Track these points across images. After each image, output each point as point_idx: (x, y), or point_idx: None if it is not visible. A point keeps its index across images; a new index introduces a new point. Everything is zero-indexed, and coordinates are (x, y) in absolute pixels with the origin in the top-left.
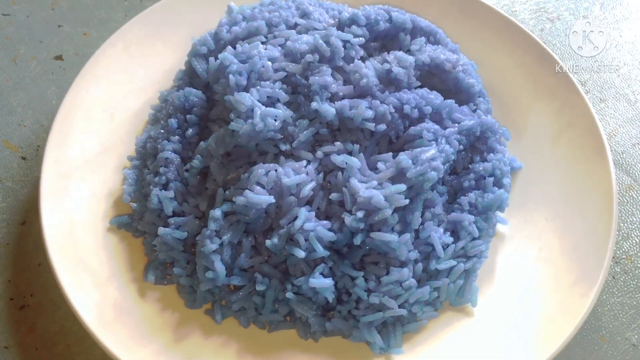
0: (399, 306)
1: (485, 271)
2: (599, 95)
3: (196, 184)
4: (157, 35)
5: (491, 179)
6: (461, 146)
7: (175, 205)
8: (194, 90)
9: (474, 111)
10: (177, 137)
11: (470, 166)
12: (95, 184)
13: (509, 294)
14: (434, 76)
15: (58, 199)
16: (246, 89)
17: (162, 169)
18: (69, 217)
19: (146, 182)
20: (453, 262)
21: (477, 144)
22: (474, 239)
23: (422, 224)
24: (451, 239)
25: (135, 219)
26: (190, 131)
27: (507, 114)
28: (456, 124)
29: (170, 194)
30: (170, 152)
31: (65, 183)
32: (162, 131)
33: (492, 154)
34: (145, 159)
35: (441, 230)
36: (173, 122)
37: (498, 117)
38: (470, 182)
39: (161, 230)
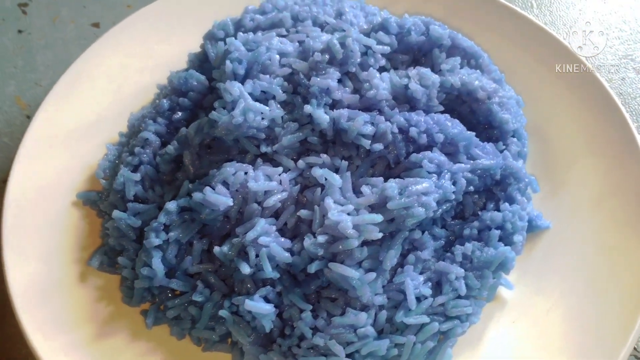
0: (347, 356)
1: (471, 339)
2: None
3: (169, 172)
4: (192, 14)
5: (497, 233)
6: (471, 187)
7: (139, 190)
8: (197, 73)
9: (502, 151)
10: (164, 119)
11: (480, 213)
12: (78, 153)
13: None
14: (465, 104)
15: (34, 162)
16: (243, 80)
17: (137, 149)
18: (39, 182)
19: (122, 160)
20: (425, 319)
21: (495, 189)
22: (459, 297)
23: (401, 266)
24: (430, 292)
25: (102, 198)
26: (178, 115)
27: (549, 162)
28: (471, 161)
29: (137, 176)
30: (151, 134)
31: (46, 147)
32: (153, 111)
33: (507, 204)
34: (132, 137)
35: (422, 278)
36: (165, 102)
37: (537, 165)
38: (472, 231)
39: (116, 213)
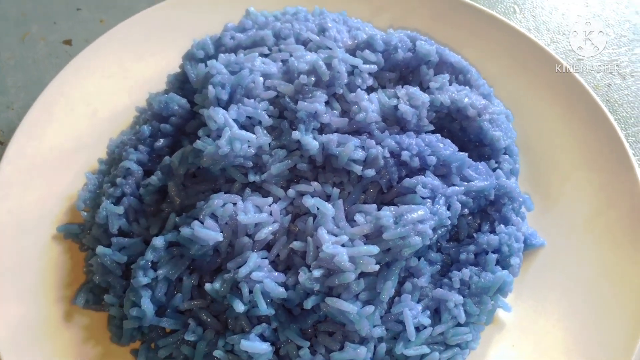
0: None
1: None
2: None
3: (153, 203)
4: (167, 33)
5: (494, 256)
6: (466, 210)
7: (123, 224)
8: (177, 97)
9: (494, 170)
10: (146, 147)
11: (475, 235)
12: (57, 183)
13: None
14: (455, 121)
15: (9, 194)
16: (227, 105)
17: (119, 180)
18: (17, 216)
19: (103, 191)
20: (426, 350)
21: (489, 210)
22: (458, 324)
23: (398, 295)
24: (429, 321)
25: (84, 230)
26: (161, 142)
27: (541, 178)
28: (465, 183)
29: (120, 209)
30: (133, 163)
31: (22, 178)
32: (134, 137)
33: (502, 226)
34: (112, 166)
35: (420, 307)
36: (145, 129)
37: (528, 180)
38: (469, 256)
39: (100, 249)
